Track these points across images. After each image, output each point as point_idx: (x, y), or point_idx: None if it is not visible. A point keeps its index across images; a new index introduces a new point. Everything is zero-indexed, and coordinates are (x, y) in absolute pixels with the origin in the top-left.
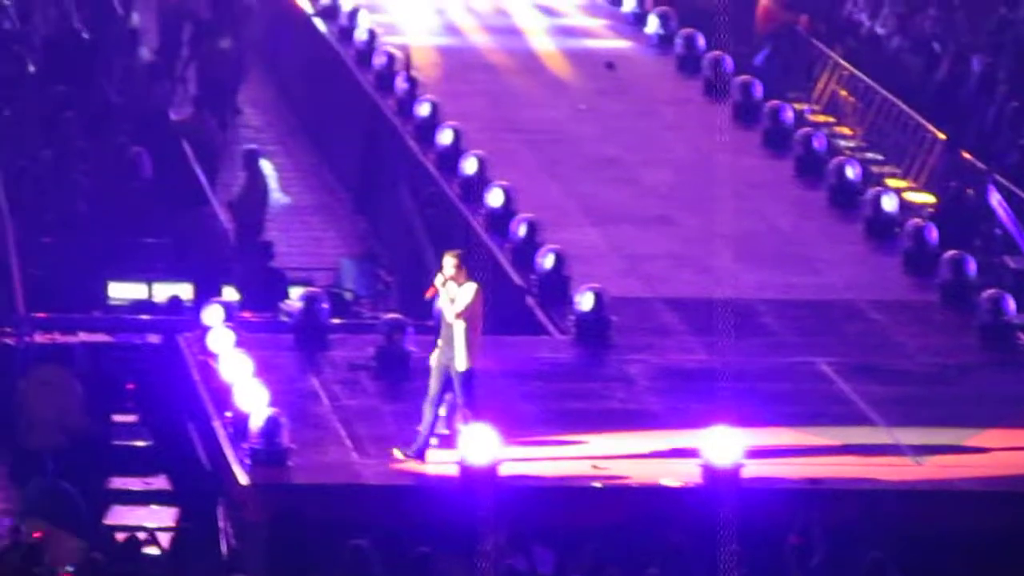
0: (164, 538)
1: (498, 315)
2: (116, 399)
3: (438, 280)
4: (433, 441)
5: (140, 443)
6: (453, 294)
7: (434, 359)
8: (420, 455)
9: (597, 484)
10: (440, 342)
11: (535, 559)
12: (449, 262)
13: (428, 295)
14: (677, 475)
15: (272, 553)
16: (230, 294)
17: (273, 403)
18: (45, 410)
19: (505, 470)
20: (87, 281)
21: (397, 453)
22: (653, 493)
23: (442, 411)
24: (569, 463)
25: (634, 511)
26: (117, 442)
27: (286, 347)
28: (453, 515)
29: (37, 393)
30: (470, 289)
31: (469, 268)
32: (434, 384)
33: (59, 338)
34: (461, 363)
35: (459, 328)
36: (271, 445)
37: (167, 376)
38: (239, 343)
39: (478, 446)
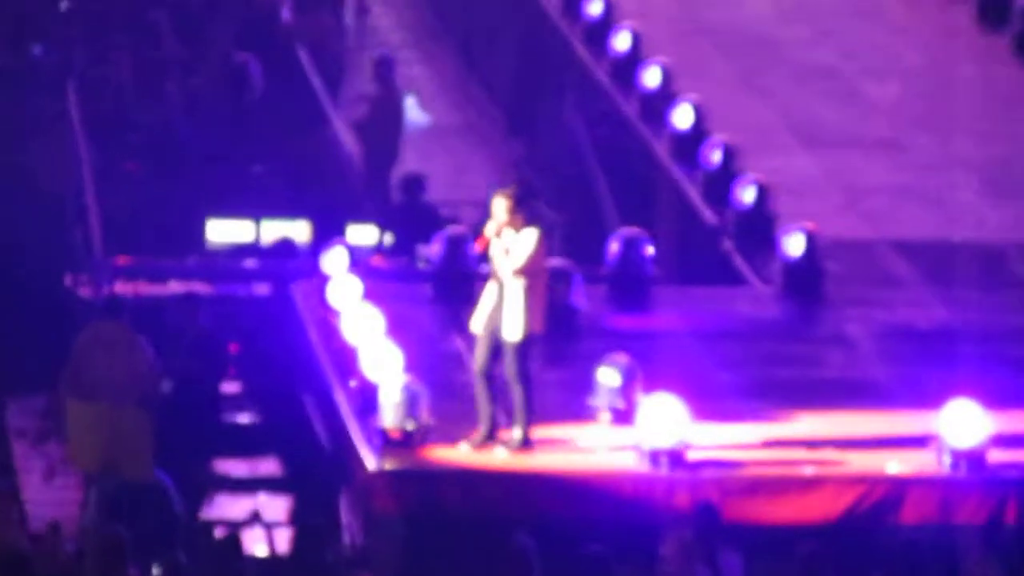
0: (273, 534)
1: (686, 261)
2: (216, 364)
3: (489, 227)
4: (518, 434)
5: (245, 419)
6: (508, 244)
7: (478, 325)
8: (486, 444)
9: (808, 471)
10: (485, 304)
11: (721, 566)
12: (500, 203)
13: (478, 248)
14: (907, 461)
15: (407, 552)
16: (356, 234)
17: (409, 369)
18: (104, 380)
19: (693, 455)
20: (181, 218)
21: (465, 446)
22: (878, 483)
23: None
24: (773, 447)
25: (854, 505)
26: (217, 417)
27: (425, 300)
28: (629, 508)
29: (92, 359)
30: (530, 237)
31: (530, 210)
32: (481, 357)
33: (145, 288)
34: (514, 331)
35: (516, 287)
36: (407, 422)
37: (278, 336)
38: (367, 295)
39: (661, 424)
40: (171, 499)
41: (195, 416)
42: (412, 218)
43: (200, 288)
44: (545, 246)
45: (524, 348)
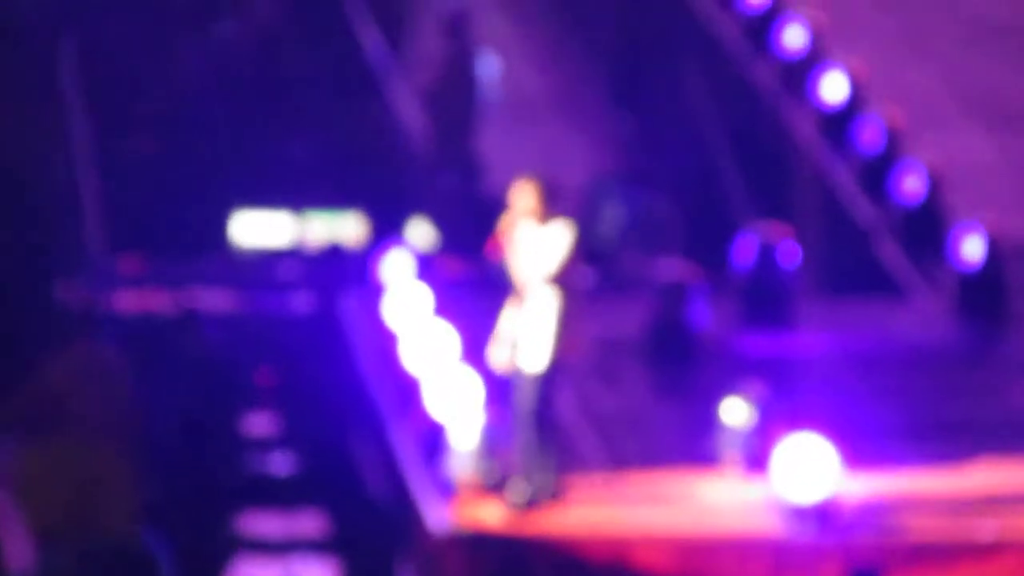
0: None
1: (835, 268)
2: (242, 397)
3: (504, 222)
4: (523, 489)
5: (279, 466)
6: (533, 244)
7: (499, 354)
8: (533, 504)
9: (986, 535)
10: (506, 328)
11: None
12: (526, 192)
13: (490, 252)
14: None
15: None
16: (420, 232)
17: (490, 403)
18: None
19: (846, 511)
20: (201, 211)
21: (510, 504)
22: None
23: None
24: (943, 503)
25: None
26: (238, 463)
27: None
28: (756, 567)
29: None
30: (563, 235)
31: (567, 201)
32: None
33: (152, 300)
34: (537, 357)
35: (542, 300)
36: (487, 471)
37: (322, 363)
38: (439, 310)
39: (804, 474)
40: (158, 569)
41: (206, 462)
42: (479, 212)
43: (222, 302)
44: (581, 249)
45: (548, 380)
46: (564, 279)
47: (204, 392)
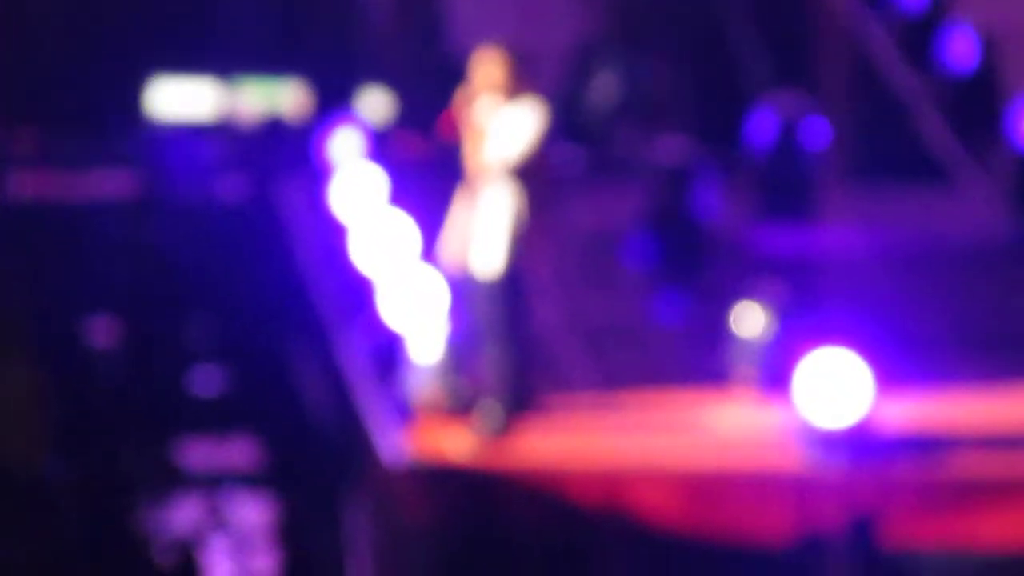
0: (247, 553)
1: (871, 148)
2: (161, 304)
3: (461, 97)
4: (495, 413)
5: (205, 383)
6: (495, 125)
7: (450, 252)
8: (505, 431)
9: None
10: (459, 222)
11: None
12: (490, 62)
13: (444, 131)
14: None
15: None
16: (373, 103)
17: (455, 312)
18: None
19: (879, 434)
20: (111, 78)
21: (479, 430)
22: None
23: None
24: (996, 432)
25: None
26: (166, 386)
27: None
28: (783, 527)
29: None
30: (532, 116)
31: (542, 74)
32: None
33: (57, 184)
34: (494, 259)
35: (503, 190)
36: (452, 391)
37: (255, 261)
38: (395, 198)
39: (833, 395)
40: (54, 501)
41: (143, 381)
42: (444, 80)
43: (132, 185)
44: (550, 127)
45: (507, 288)
46: (530, 169)
47: (137, 295)
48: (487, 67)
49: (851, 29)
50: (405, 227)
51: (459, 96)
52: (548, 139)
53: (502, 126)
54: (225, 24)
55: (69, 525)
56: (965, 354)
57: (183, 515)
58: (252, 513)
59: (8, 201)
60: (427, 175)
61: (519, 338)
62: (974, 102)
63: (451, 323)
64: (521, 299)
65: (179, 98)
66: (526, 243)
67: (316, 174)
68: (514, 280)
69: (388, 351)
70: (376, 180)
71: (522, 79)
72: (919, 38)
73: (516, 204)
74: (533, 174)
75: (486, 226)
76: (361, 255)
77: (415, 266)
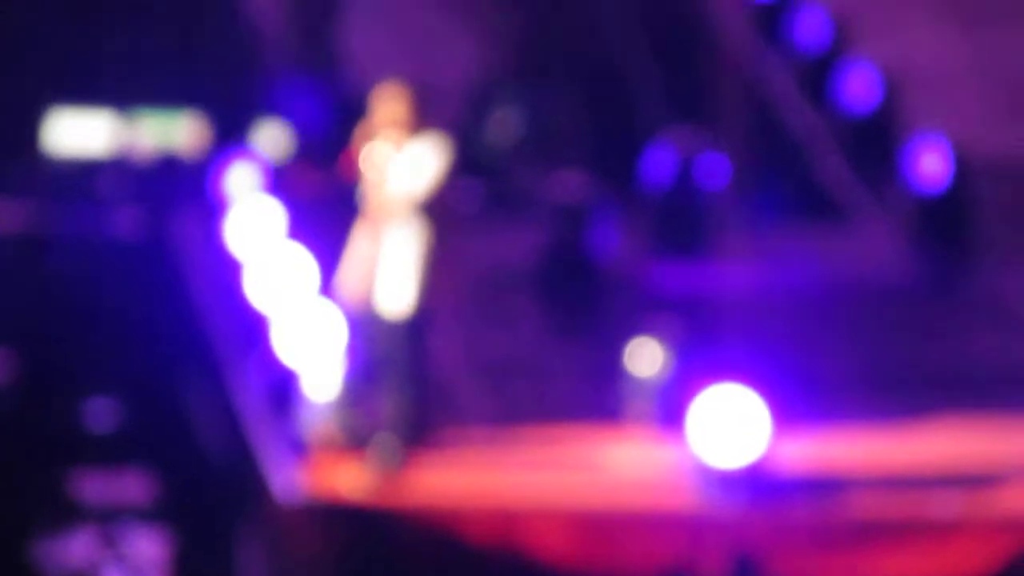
0: None
1: (768, 187)
2: (56, 338)
3: (361, 133)
4: (392, 447)
5: (100, 418)
6: (399, 162)
7: (357, 292)
8: (401, 468)
9: (944, 510)
10: (360, 259)
11: None
12: (391, 98)
13: (344, 169)
14: None
15: None
16: (271, 138)
17: (353, 347)
18: None
19: (775, 474)
20: (6, 110)
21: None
22: None
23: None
24: (893, 471)
25: (1013, 563)
26: (61, 419)
27: None
28: (677, 555)
29: None
30: (437, 152)
31: (440, 109)
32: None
33: None
34: (405, 298)
35: (411, 230)
36: (347, 427)
37: (149, 296)
38: (292, 233)
39: (728, 434)
40: None
41: (38, 414)
42: (341, 115)
43: (31, 223)
44: (459, 166)
45: (415, 325)
46: (437, 205)
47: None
48: (389, 103)
49: (750, 67)
50: (302, 262)
51: (360, 132)
52: (452, 174)
53: (406, 162)
54: (122, 57)
55: None
56: (862, 393)
57: (78, 548)
58: (148, 547)
59: None
60: (324, 210)
61: (420, 375)
62: (872, 141)
63: (347, 359)
64: (424, 337)
65: (76, 131)
66: (432, 280)
67: (212, 208)
68: (420, 318)
69: (283, 387)
70: (273, 215)
71: (425, 114)
72: (818, 76)
73: (422, 241)
74: (438, 210)
75: (392, 264)
76: (257, 290)
77: (312, 301)
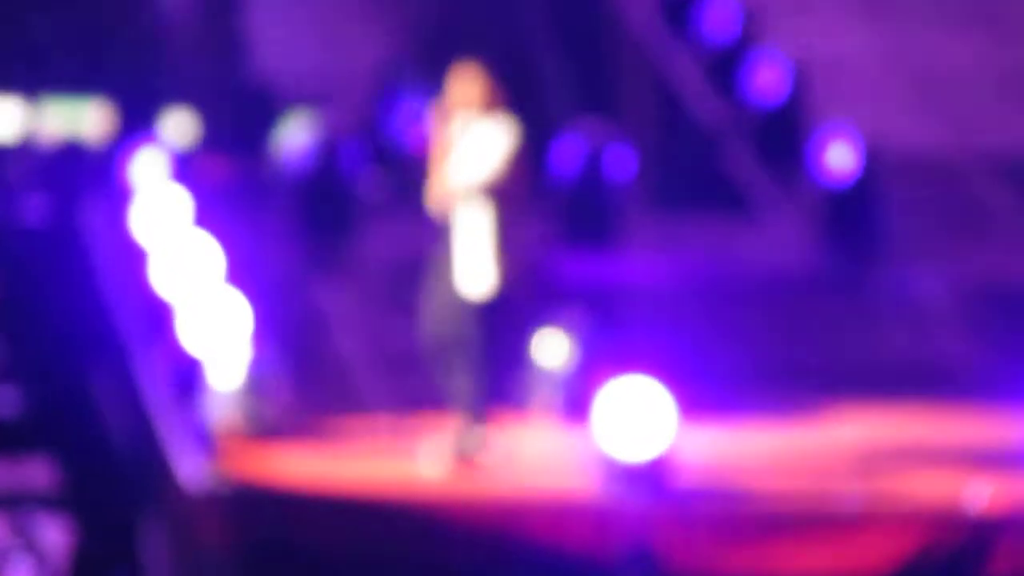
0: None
1: (674, 178)
2: None
3: (439, 116)
4: (473, 434)
5: (3, 410)
6: (466, 145)
7: (434, 274)
8: (467, 456)
9: (850, 504)
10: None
11: None
12: (464, 82)
13: (434, 152)
14: (1001, 488)
15: None
16: (177, 125)
17: (258, 335)
18: None
19: (680, 467)
20: None
21: (427, 463)
22: (956, 524)
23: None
24: (797, 464)
25: (920, 558)
26: None
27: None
28: (576, 558)
29: None
30: (505, 135)
31: (513, 92)
32: (440, 324)
33: None
34: (479, 281)
35: (481, 214)
36: (252, 416)
37: (53, 283)
38: (199, 221)
39: (631, 426)
40: None
41: None
42: (247, 103)
43: None
44: (525, 149)
45: (492, 309)
46: (505, 187)
47: None
48: (465, 84)
49: (657, 57)
50: (208, 250)
51: (436, 113)
52: (519, 157)
53: (476, 143)
54: (29, 43)
55: None
56: (767, 385)
57: None
58: (54, 534)
59: None
60: (230, 198)
61: (493, 358)
62: (781, 132)
63: (253, 347)
64: (498, 320)
65: None
66: (504, 262)
67: (118, 196)
68: (496, 301)
69: (188, 375)
70: (179, 202)
71: (490, 96)
72: (726, 67)
73: (492, 222)
74: (508, 193)
75: (466, 246)
76: (162, 278)
77: (217, 290)
